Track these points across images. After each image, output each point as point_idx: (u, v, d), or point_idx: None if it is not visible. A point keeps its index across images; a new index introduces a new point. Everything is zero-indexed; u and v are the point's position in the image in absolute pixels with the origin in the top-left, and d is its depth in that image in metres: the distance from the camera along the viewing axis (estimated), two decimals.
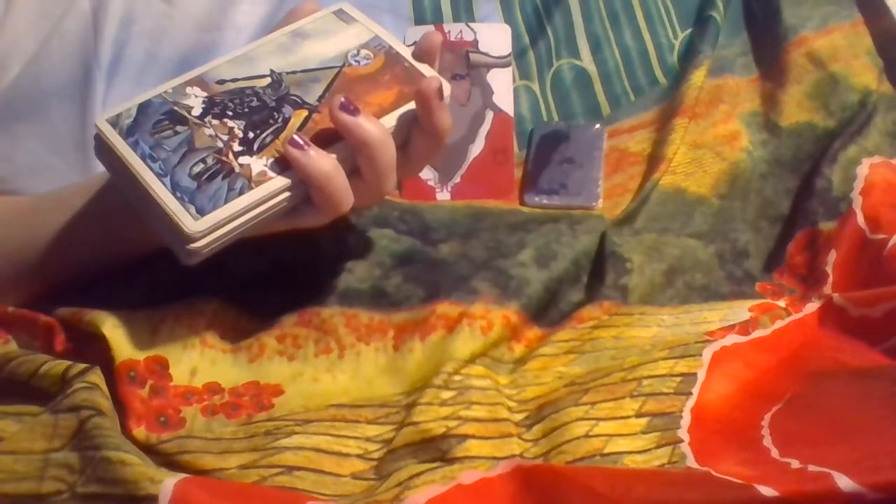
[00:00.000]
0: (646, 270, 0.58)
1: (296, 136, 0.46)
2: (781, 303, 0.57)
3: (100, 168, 0.52)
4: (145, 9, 0.64)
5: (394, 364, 0.53)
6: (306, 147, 0.46)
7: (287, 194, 0.47)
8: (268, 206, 0.47)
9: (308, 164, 0.46)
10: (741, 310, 0.56)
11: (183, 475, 0.43)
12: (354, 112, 0.47)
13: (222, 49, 0.63)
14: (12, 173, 0.61)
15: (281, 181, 0.47)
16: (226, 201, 0.46)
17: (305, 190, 0.47)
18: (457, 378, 0.50)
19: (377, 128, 0.47)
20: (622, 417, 0.48)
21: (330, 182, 0.47)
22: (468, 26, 0.72)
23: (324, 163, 0.46)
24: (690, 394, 0.50)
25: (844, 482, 0.39)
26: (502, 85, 0.71)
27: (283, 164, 0.47)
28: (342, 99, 0.47)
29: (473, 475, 0.45)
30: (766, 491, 0.40)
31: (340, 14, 0.54)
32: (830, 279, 0.58)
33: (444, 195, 0.68)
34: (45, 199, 0.58)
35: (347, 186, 0.47)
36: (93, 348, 0.51)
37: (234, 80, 0.51)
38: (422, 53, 0.52)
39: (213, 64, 0.52)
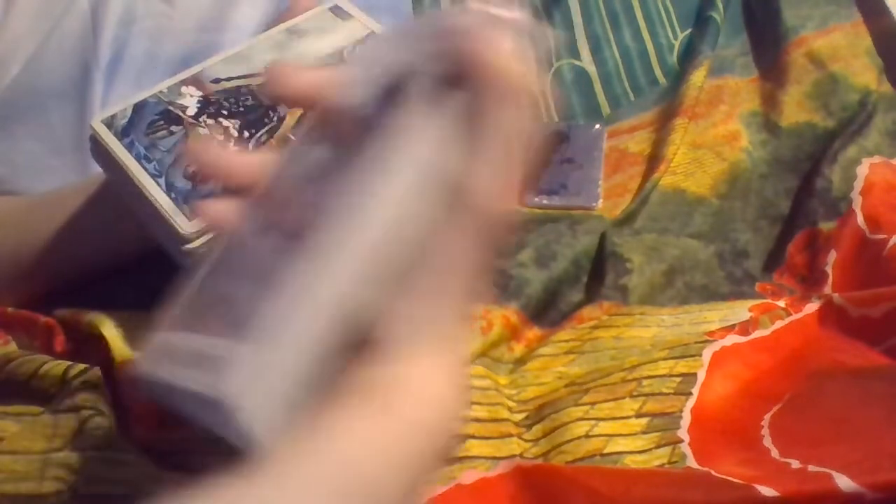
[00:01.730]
0: (646, 270, 0.58)
1: (290, 136, 0.46)
2: (781, 303, 0.57)
3: (98, 168, 0.52)
4: (145, 9, 0.64)
5: None
6: None
7: None
8: None
9: None
10: (741, 310, 0.56)
11: (183, 475, 0.43)
12: None
13: (222, 49, 0.63)
14: (11, 174, 0.61)
15: None
16: None
17: None
18: None
19: None
20: (622, 417, 0.48)
21: None
22: None
23: None
24: (690, 394, 0.50)
25: (844, 482, 0.39)
26: None
27: None
28: None
29: (473, 475, 0.45)
30: (766, 491, 0.40)
31: (336, 10, 0.54)
32: (830, 279, 0.58)
33: None
34: (43, 200, 0.58)
35: None
36: (92, 348, 0.51)
37: (229, 79, 0.51)
38: None
39: (208, 63, 0.52)
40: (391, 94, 0.32)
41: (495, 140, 0.30)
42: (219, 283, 0.33)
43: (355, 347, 0.29)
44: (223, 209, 0.34)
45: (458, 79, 0.30)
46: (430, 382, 0.30)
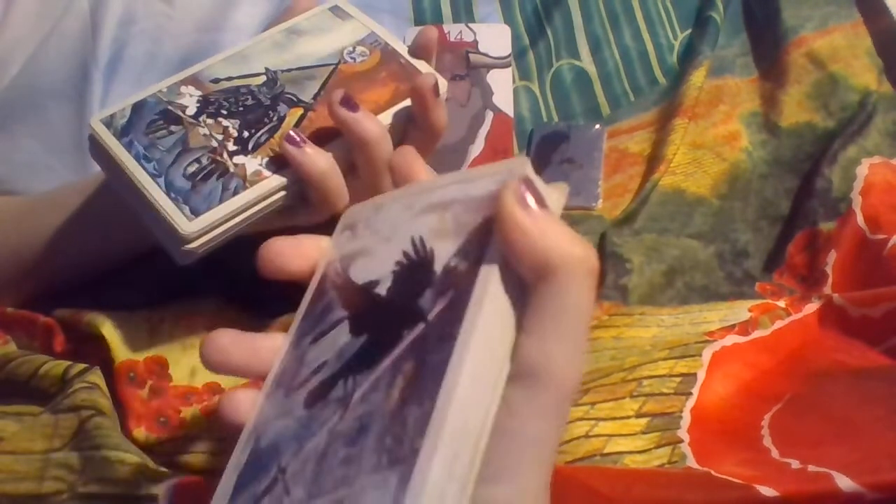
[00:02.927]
0: (646, 271, 0.58)
1: (292, 133, 0.46)
2: (781, 303, 0.57)
3: (97, 167, 0.52)
4: (145, 9, 0.64)
5: None
6: (303, 144, 0.46)
7: (282, 193, 0.47)
8: (263, 205, 0.47)
9: (304, 161, 0.46)
10: (741, 310, 0.56)
11: (183, 475, 0.43)
12: (354, 108, 0.46)
13: (222, 49, 0.63)
14: (10, 173, 0.61)
15: (276, 180, 0.47)
16: (220, 201, 0.46)
17: (301, 189, 0.47)
18: None
19: (375, 125, 0.47)
20: (622, 417, 0.48)
21: (326, 180, 0.46)
22: (468, 27, 0.72)
23: (320, 160, 0.46)
24: (690, 394, 0.50)
25: (844, 482, 0.39)
26: (502, 85, 0.71)
27: (278, 163, 0.47)
28: (342, 94, 0.46)
29: None
30: (766, 491, 0.40)
31: (335, 10, 0.54)
32: (830, 279, 0.58)
33: None
34: (42, 199, 0.58)
35: (343, 184, 0.47)
36: (92, 349, 0.51)
37: (228, 79, 0.51)
38: (418, 49, 0.52)
39: (207, 62, 0.52)
40: (414, 270, 0.29)
41: (563, 315, 0.27)
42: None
43: None
44: (246, 401, 0.31)
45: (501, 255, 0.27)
46: None
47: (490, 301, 0.27)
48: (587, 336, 0.29)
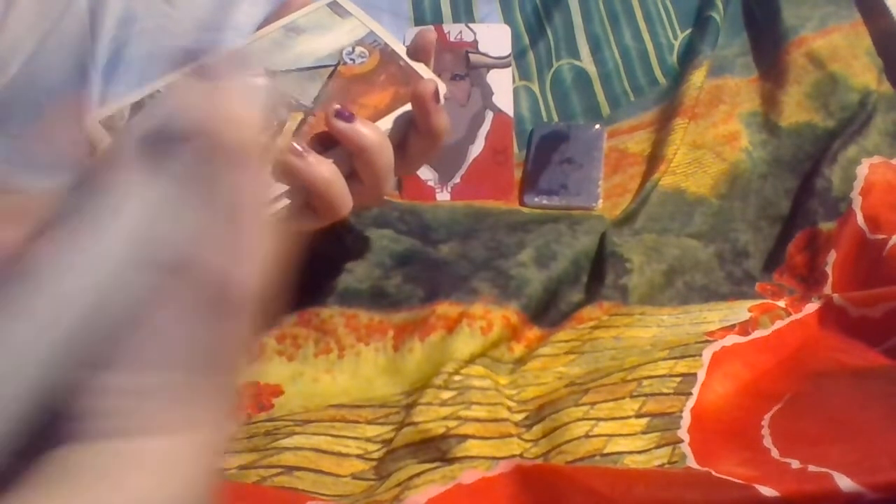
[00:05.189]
0: (646, 270, 0.58)
1: (294, 144, 0.46)
2: (781, 303, 0.57)
3: None
4: (145, 9, 0.64)
5: (393, 364, 0.53)
6: (306, 154, 0.46)
7: (286, 201, 0.47)
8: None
9: (308, 171, 0.46)
10: (741, 310, 0.56)
11: None
12: (350, 119, 0.46)
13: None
14: (9, 173, 0.61)
15: (279, 188, 0.46)
16: None
17: (304, 195, 0.47)
18: (457, 378, 0.50)
19: (374, 133, 0.47)
20: (622, 417, 0.48)
21: (330, 188, 0.46)
22: (468, 27, 0.72)
23: (323, 169, 0.46)
24: (690, 394, 0.50)
25: (844, 482, 0.39)
26: (502, 85, 0.71)
27: (280, 171, 0.47)
28: (337, 107, 0.46)
29: (473, 475, 0.45)
30: (767, 491, 0.40)
31: (334, 6, 0.54)
32: (830, 279, 0.58)
33: (444, 195, 0.68)
34: (41, 200, 0.58)
35: (347, 191, 0.47)
36: None
37: None
38: (416, 51, 0.52)
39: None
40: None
41: (221, 207, 0.27)
42: None
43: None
44: None
45: (181, 142, 0.27)
46: (171, 458, 0.26)
47: None
48: (251, 236, 0.28)
